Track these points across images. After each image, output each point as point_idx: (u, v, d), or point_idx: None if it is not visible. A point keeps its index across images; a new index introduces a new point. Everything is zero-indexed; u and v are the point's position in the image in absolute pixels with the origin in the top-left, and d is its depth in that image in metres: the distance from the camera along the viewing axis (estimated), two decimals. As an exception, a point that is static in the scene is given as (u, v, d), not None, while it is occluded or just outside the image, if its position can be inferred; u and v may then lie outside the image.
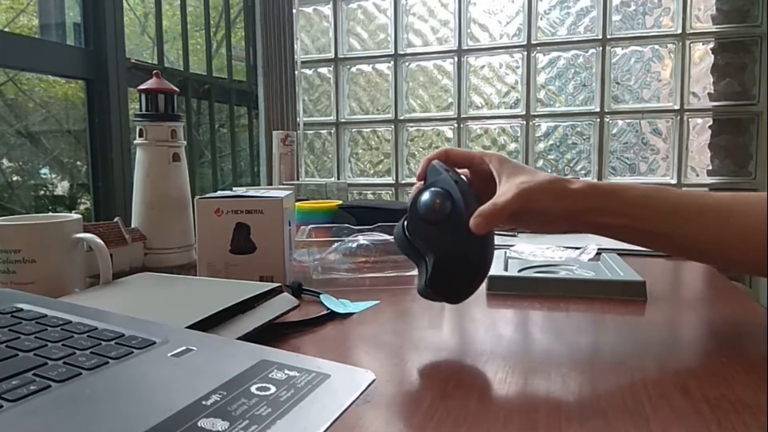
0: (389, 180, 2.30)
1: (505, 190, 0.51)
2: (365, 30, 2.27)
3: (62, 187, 1.75)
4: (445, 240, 0.49)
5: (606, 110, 2.04)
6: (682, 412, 0.36)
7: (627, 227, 0.50)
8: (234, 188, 0.96)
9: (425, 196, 0.51)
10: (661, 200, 0.50)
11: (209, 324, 0.47)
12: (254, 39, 2.24)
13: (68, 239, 0.63)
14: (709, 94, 1.95)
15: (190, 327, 0.44)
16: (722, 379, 0.42)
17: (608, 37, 2.01)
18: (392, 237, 0.55)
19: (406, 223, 0.52)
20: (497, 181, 0.53)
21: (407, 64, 2.24)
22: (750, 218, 0.47)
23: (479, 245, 0.50)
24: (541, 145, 2.13)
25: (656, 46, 1.98)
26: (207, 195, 0.72)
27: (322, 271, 0.77)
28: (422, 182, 0.55)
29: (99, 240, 0.64)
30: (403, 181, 2.29)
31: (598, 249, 0.90)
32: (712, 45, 1.93)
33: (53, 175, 1.74)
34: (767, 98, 1.87)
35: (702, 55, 1.94)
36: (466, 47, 2.16)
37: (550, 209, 0.50)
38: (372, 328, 0.57)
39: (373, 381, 0.32)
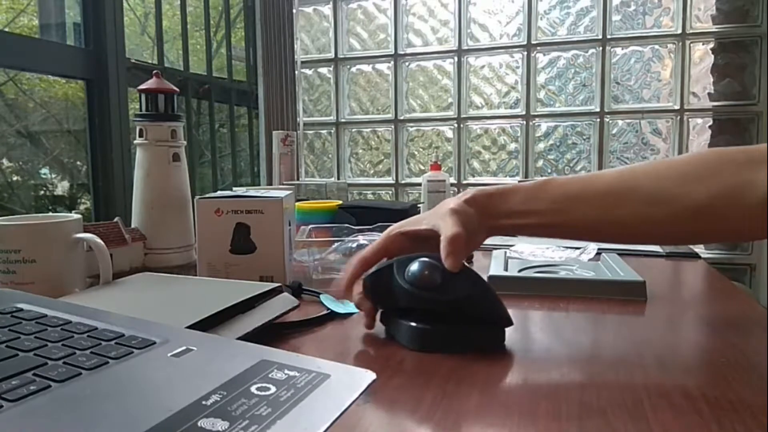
0: (389, 180, 2.30)
1: (441, 224, 0.52)
2: (365, 30, 2.27)
3: (62, 187, 1.75)
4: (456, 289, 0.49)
5: (606, 110, 2.04)
6: (682, 412, 0.36)
7: (526, 225, 0.53)
8: (234, 188, 0.96)
9: (414, 269, 0.50)
10: (546, 193, 0.52)
11: (209, 324, 0.47)
12: (254, 39, 2.24)
13: (68, 239, 0.63)
14: (709, 94, 1.95)
15: (190, 327, 0.44)
16: (722, 379, 0.42)
17: (608, 37, 2.01)
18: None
19: (417, 327, 0.50)
20: (436, 230, 0.53)
21: (407, 64, 2.24)
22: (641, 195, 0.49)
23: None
24: (541, 145, 2.13)
25: (656, 46, 1.98)
26: (207, 195, 0.72)
27: (322, 271, 0.77)
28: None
29: (99, 240, 0.64)
30: (403, 181, 2.29)
31: (598, 249, 0.90)
32: (712, 45, 1.93)
33: (53, 175, 1.74)
34: (767, 98, 1.87)
35: (702, 55, 1.94)
36: (466, 47, 2.16)
37: (477, 219, 0.53)
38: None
39: (373, 381, 0.32)
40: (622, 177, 0.51)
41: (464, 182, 2.22)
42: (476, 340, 0.49)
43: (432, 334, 0.49)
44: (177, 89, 0.87)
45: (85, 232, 0.66)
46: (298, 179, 2.03)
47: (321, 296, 0.66)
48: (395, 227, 0.57)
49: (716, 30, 1.92)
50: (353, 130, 2.33)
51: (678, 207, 0.47)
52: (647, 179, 0.49)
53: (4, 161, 1.61)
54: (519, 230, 0.54)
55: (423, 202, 1.32)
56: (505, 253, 0.89)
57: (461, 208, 0.53)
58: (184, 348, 0.34)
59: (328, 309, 0.61)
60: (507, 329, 0.51)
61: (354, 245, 0.78)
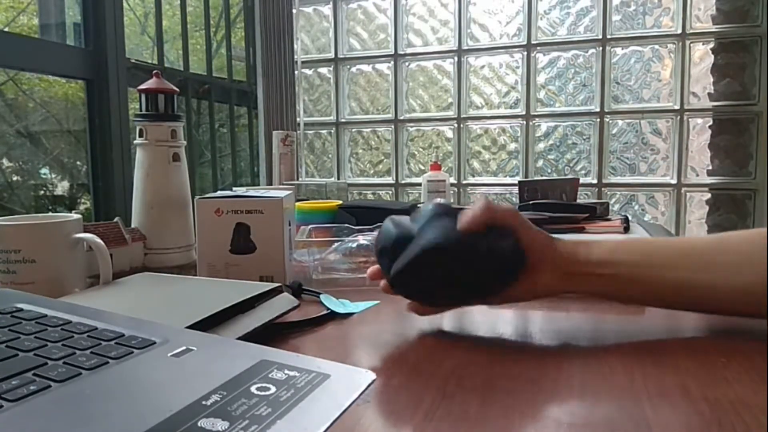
0: (389, 180, 2.30)
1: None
2: (365, 30, 2.27)
3: (62, 187, 1.75)
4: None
5: (606, 110, 2.04)
6: (682, 412, 0.36)
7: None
8: (234, 188, 0.96)
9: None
10: (634, 246, 0.50)
11: (209, 324, 0.47)
12: (254, 39, 2.24)
13: (68, 239, 0.63)
14: (709, 94, 1.95)
15: (190, 327, 0.44)
16: (722, 379, 0.42)
17: (608, 37, 2.01)
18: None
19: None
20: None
21: (407, 64, 2.24)
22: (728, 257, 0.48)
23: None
24: (541, 145, 2.13)
25: (656, 46, 1.98)
26: (207, 195, 0.72)
27: (322, 271, 0.77)
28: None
29: (99, 240, 0.64)
30: (403, 181, 2.29)
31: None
32: (712, 45, 1.93)
33: (53, 175, 1.74)
34: (767, 98, 1.87)
35: (702, 55, 1.94)
36: (466, 47, 2.16)
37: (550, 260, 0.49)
38: (372, 328, 0.57)
39: (373, 381, 0.32)
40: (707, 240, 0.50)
41: (464, 182, 2.22)
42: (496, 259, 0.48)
43: (446, 251, 0.47)
44: (177, 89, 0.87)
45: (85, 232, 0.66)
46: (298, 179, 2.02)
47: (321, 296, 0.66)
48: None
49: (716, 30, 1.92)
50: (353, 130, 2.33)
51: None
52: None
53: (4, 161, 1.61)
54: (597, 283, 0.50)
55: (423, 202, 1.32)
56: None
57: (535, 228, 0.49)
58: (184, 348, 0.34)
59: (328, 309, 0.61)
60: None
61: (354, 245, 0.78)
